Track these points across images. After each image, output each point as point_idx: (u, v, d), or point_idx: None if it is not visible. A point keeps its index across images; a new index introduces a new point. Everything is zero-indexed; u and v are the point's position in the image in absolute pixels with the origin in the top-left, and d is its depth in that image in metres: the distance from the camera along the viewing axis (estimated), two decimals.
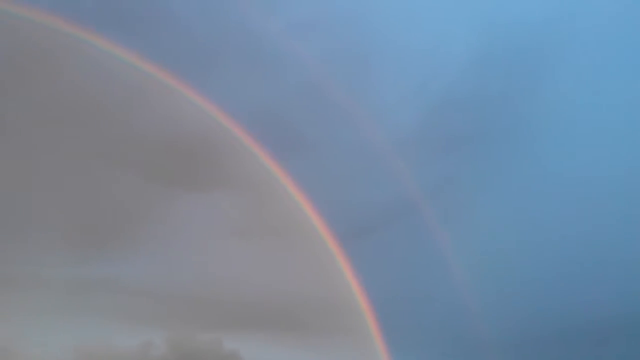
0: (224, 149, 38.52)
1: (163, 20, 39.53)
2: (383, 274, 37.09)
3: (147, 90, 39.69)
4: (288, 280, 37.20)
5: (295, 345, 35.93)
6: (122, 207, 41.22)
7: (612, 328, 35.13)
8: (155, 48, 39.34)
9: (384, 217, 39.78)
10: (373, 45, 39.07)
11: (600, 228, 36.94)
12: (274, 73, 38.86)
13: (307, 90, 38.55)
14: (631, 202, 36.70)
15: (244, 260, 38.26)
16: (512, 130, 40.31)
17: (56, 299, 36.20)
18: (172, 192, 40.91)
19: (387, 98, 39.98)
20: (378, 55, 39.63)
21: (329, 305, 36.12)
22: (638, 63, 38.40)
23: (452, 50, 39.71)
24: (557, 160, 39.05)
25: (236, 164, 38.68)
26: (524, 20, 38.27)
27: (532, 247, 38.04)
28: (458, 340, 37.53)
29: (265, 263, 37.80)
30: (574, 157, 38.74)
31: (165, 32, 40.33)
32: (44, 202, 38.99)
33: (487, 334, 35.92)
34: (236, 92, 38.96)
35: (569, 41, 38.79)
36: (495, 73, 39.70)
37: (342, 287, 35.32)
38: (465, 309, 36.21)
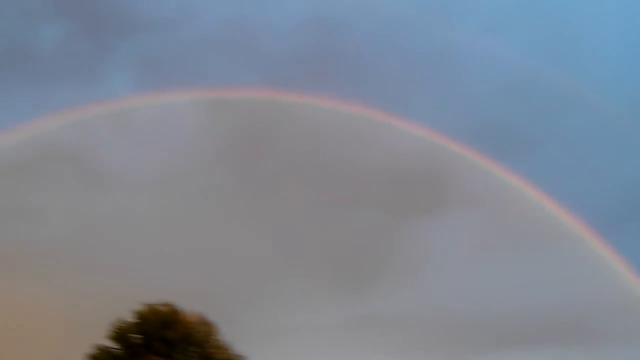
0: (446, 167, 38.15)
1: (355, 63, 41.47)
2: None
3: (360, 131, 41.54)
4: (557, 289, 34.23)
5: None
6: (367, 243, 43.32)
7: None
8: (354, 89, 41.35)
9: None
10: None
11: None
12: (478, 78, 37.54)
13: (516, 88, 36.31)
14: None
15: (499, 276, 36.75)
16: None
17: (332, 340, 39.00)
18: (406, 221, 41.77)
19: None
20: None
21: (615, 309, 32.13)
22: None
23: None
24: None
25: (462, 180, 37.96)
26: None
27: None
28: None
29: (524, 274, 35.59)
30: None
31: (349, 72, 42.24)
32: (307, 251, 42.92)
33: None
34: (443, 107, 38.55)
35: None
36: None
37: (619, 284, 31.20)
38: None
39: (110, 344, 23.89)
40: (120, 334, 23.81)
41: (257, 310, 37.28)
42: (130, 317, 24.01)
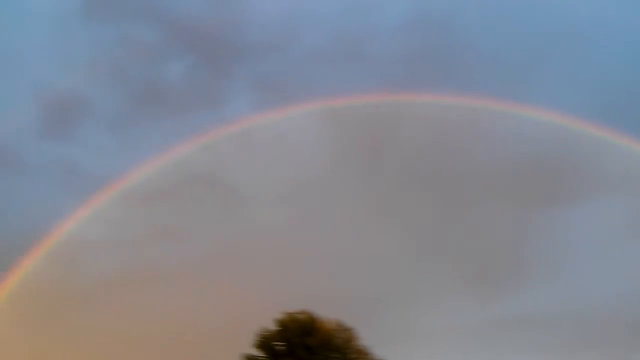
0: (580, 151, 35.29)
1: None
2: None
3: (481, 122, 40.01)
4: None
5: None
6: (502, 238, 41.45)
7: None
8: (468, 81, 40.00)
9: None
10: None
11: None
12: (606, 51, 34.40)
13: None
14: None
15: None
16: None
17: (474, 340, 37.67)
18: (542, 212, 39.29)
19: None
20: None
21: None
22: None
23: None
24: None
25: (600, 163, 34.81)
26: None
27: None
28: None
29: None
30: None
31: (461, 65, 40.82)
32: (441, 251, 42.04)
33: None
34: (569, 88, 35.83)
35: None
36: None
37: None
38: None
39: (255, 352, 25.29)
40: (264, 342, 25.07)
41: (395, 313, 37.15)
42: (272, 326, 25.20)
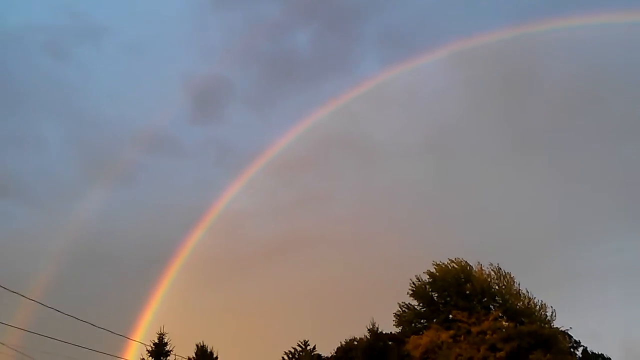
0: None
1: None
2: None
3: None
4: None
5: None
6: None
7: None
8: None
9: None
10: None
11: None
12: None
13: None
14: None
15: None
16: None
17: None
18: None
19: None
20: None
21: None
22: None
23: None
24: None
25: None
26: None
27: None
28: None
29: None
30: None
31: None
32: (601, 189, 38.91)
33: None
34: None
35: None
36: None
37: None
38: None
39: (411, 301, 25.82)
40: (420, 292, 25.46)
41: (555, 257, 35.48)
42: (426, 276, 25.49)
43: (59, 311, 15.88)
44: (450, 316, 24.06)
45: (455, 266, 25.03)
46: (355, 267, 38.01)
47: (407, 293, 25.49)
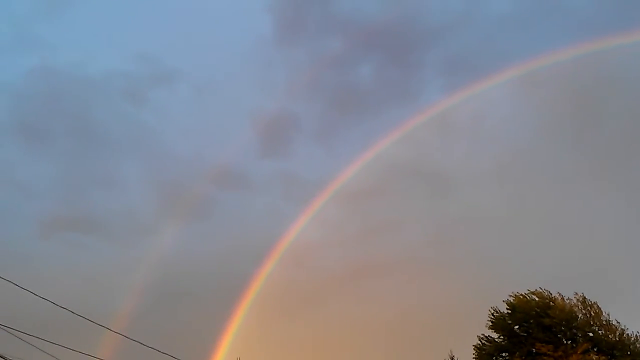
0: None
1: None
2: None
3: None
4: None
5: None
6: None
7: None
8: None
9: None
10: None
11: None
12: None
13: None
14: None
15: None
16: None
17: None
18: None
19: None
20: None
21: None
22: None
23: None
24: None
25: None
26: None
27: None
28: None
29: None
30: None
31: None
32: None
33: None
34: None
35: None
36: None
37: None
38: None
39: (491, 333, 24.76)
40: (499, 324, 24.40)
41: None
42: (505, 307, 24.44)
43: (142, 343, 16.42)
44: (534, 349, 22.91)
45: (536, 298, 23.94)
46: (430, 296, 37.32)
47: (486, 325, 24.74)
